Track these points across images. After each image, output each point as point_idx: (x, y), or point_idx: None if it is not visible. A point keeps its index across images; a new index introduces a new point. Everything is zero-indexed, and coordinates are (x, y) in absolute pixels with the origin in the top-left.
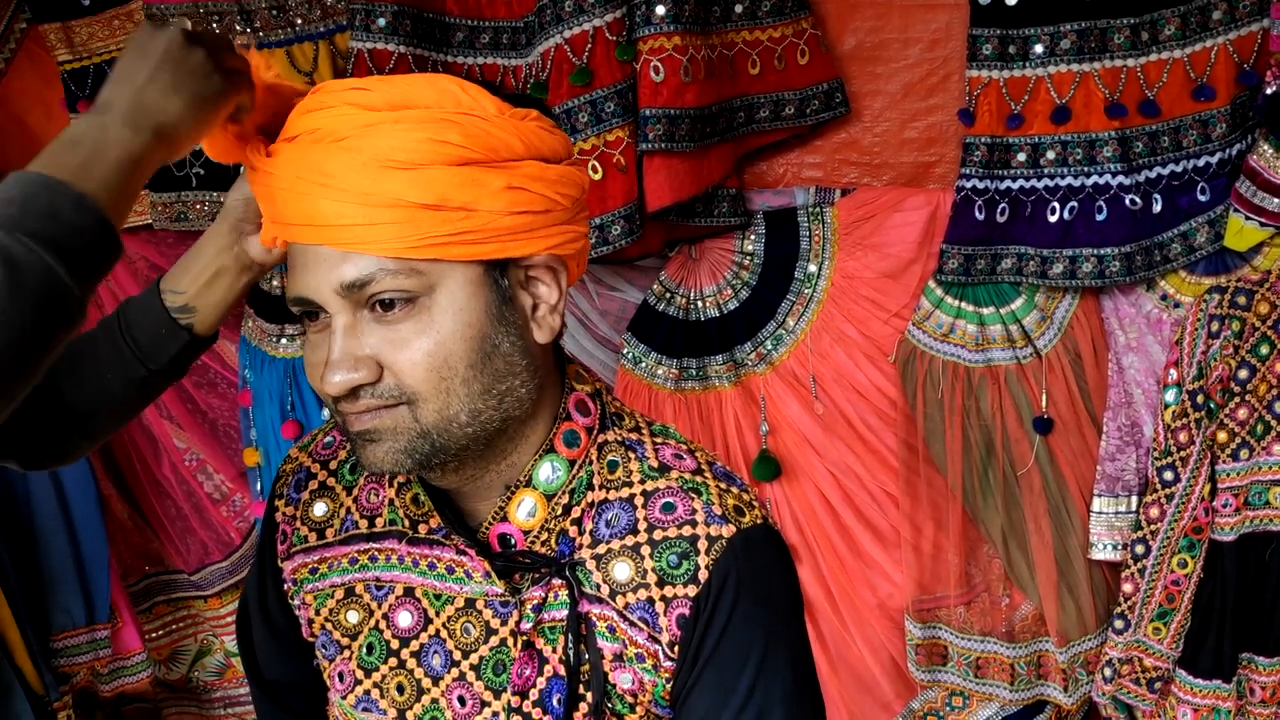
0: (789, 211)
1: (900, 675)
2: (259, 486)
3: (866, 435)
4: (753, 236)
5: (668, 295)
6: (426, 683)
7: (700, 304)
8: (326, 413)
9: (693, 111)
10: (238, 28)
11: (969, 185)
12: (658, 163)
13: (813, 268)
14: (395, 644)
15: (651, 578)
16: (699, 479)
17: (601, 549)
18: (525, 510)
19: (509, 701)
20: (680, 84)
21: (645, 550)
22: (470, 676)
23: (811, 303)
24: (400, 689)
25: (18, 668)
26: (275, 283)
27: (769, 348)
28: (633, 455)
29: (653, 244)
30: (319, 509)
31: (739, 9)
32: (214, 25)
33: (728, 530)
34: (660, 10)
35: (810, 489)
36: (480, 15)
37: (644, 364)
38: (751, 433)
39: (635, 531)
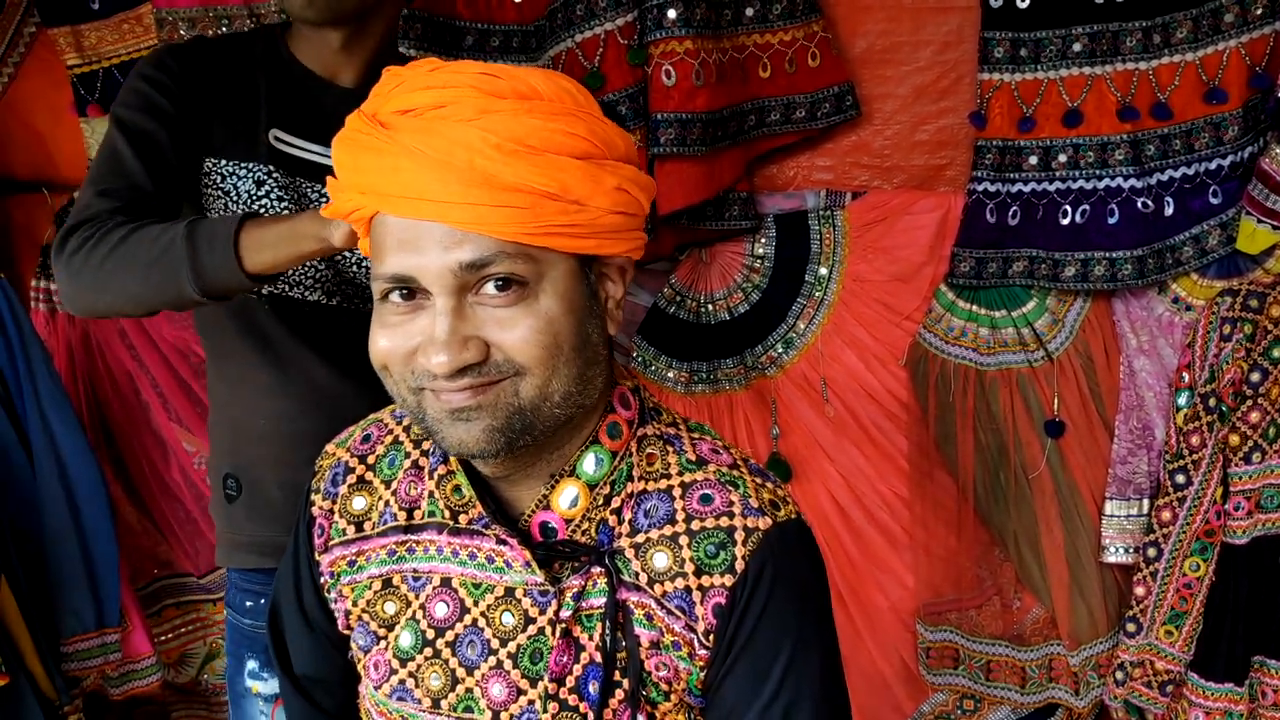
0: (799, 214)
1: (911, 678)
2: None
3: (877, 438)
4: (763, 240)
5: (678, 299)
6: (461, 672)
7: (710, 307)
8: None
9: (704, 115)
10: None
11: (980, 188)
12: (669, 166)
13: (823, 271)
14: (431, 634)
15: (689, 567)
16: (735, 473)
17: (640, 538)
18: (568, 499)
19: (546, 689)
20: (692, 87)
21: (683, 540)
22: (507, 665)
23: (822, 306)
24: (435, 679)
25: (29, 672)
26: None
27: (779, 351)
28: (671, 449)
29: (663, 247)
30: (357, 503)
31: (750, 12)
32: (223, 28)
33: (764, 523)
34: (671, 14)
35: (821, 492)
36: (490, 19)
37: (654, 367)
38: (762, 435)
39: (673, 521)
